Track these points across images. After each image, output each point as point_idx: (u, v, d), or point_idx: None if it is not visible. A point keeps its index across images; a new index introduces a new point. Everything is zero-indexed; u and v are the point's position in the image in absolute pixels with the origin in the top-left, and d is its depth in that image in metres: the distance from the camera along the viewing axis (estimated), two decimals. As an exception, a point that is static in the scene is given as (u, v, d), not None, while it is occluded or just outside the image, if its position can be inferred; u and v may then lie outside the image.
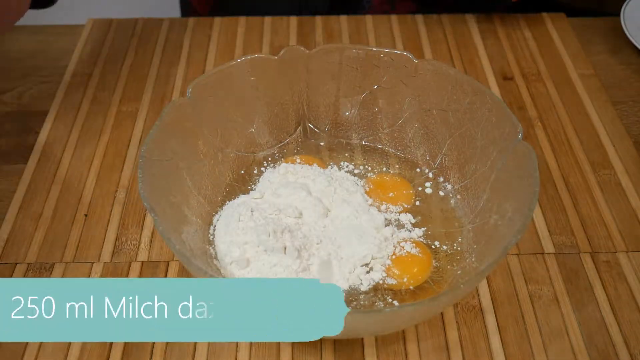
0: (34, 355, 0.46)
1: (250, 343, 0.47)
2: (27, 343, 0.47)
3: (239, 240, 0.48)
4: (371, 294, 0.48)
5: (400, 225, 0.53)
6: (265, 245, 0.47)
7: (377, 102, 0.59)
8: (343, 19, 0.78)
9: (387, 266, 0.49)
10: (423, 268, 0.49)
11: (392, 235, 0.51)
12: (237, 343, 0.47)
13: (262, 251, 0.47)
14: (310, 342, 0.47)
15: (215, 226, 0.52)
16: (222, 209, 0.53)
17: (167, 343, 0.47)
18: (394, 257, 0.50)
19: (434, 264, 0.50)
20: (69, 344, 0.47)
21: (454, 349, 0.47)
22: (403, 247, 0.50)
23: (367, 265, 0.49)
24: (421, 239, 0.52)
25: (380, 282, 0.48)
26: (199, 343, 0.47)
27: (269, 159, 0.58)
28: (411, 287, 0.48)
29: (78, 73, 0.70)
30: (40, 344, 0.47)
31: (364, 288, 0.48)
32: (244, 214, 0.50)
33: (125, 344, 0.47)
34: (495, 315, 0.49)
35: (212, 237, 0.51)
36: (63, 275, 0.51)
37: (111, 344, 0.47)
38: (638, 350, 0.47)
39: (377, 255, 0.50)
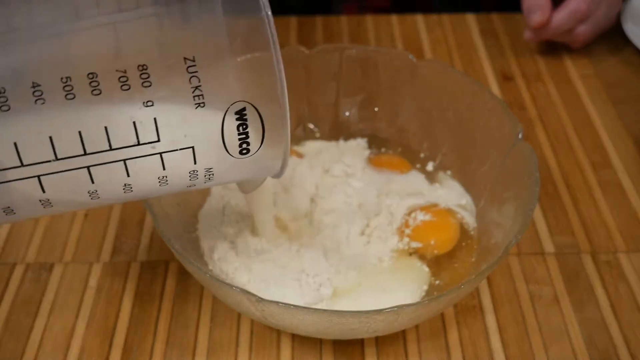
0: (33, 354, 0.46)
1: (251, 343, 0.47)
2: (26, 343, 0.47)
3: (224, 234, 0.49)
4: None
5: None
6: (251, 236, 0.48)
7: (377, 102, 0.59)
8: (343, 19, 0.78)
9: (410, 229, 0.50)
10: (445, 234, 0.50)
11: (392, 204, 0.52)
12: (237, 342, 0.47)
13: (249, 241, 0.48)
14: (310, 341, 0.47)
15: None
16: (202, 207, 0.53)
17: (167, 344, 0.47)
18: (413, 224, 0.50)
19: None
20: (69, 344, 0.47)
21: (454, 349, 0.47)
22: (416, 218, 0.51)
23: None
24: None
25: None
26: (199, 344, 0.47)
27: (269, 158, 0.58)
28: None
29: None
30: (40, 343, 0.47)
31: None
32: (227, 207, 0.50)
33: (125, 343, 0.47)
34: (495, 315, 0.49)
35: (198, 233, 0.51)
36: (62, 275, 0.51)
37: (111, 344, 0.47)
38: (639, 350, 0.47)
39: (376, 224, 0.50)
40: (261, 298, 0.38)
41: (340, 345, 0.47)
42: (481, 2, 0.83)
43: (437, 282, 0.48)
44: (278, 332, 0.48)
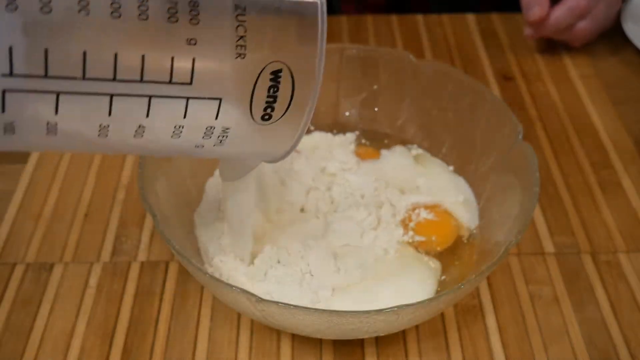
0: (33, 354, 0.46)
1: (251, 343, 0.47)
2: (26, 343, 0.47)
3: (220, 231, 0.49)
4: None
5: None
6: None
7: (377, 102, 0.59)
8: (343, 19, 0.78)
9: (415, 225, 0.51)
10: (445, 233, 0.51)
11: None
12: (237, 342, 0.47)
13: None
14: (310, 341, 0.47)
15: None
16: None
17: (167, 344, 0.47)
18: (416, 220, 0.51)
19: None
20: (68, 344, 0.47)
21: (454, 349, 0.47)
22: (419, 214, 0.51)
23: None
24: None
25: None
26: (199, 343, 0.47)
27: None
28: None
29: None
30: (40, 343, 0.47)
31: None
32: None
33: (125, 343, 0.47)
34: (495, 315, 0.49)
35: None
36: (63, 275, 0.51)
37: (111, 344, 0.47)
38: (639, 350, 0.47)
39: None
40: (261, 298, 0.38)
41: (340, 345, 0.47)
42: (481, 2, 0.83)
43: (442, 277, 0.49)
44: (278, 332, 0.48)
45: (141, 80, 0.30)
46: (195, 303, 0.49)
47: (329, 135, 0.59)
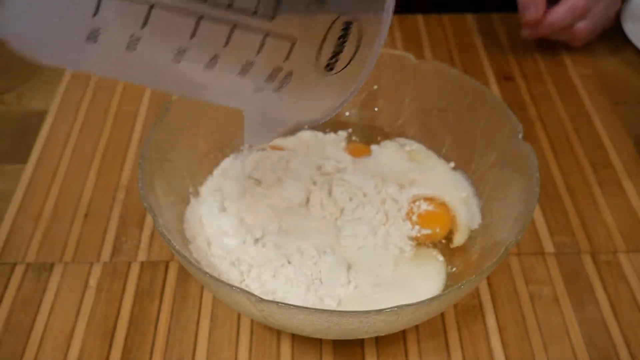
0: (33, 354, 0.46)
1: (251, 343, 0.47)
2: (26, 343, 0.47)
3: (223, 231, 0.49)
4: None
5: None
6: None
7: (377, 102, 0.59)
8: (343, 19, 0.78)
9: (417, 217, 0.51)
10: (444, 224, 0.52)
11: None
12: (237, 342, 0.47)
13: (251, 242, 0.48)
14: (310, 341, 0.47)
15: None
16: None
17: (167, 342, 0.47)
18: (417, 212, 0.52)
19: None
20: (68, 344, 0.47)
21: (454, 349, 0.47)
22: (419, 206, 0.52)
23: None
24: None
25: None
26: (199, 342, 0.47)
27: (269, 158, 0.58)
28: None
29: (78, 73, 0.70)
30: (40, 343, 0.47)
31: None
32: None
33: (125, 343, 0.47)
34: (495, 315, 0.49)
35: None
36: (63, 275, 0.51)
37: (111, 344, 0.47)
38: (639, 350, 0.47)
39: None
40: (261, 298, 0.38)
41: (340, 345, 0.47)
42: (481, 2, 0.83)
43: (453, 269, 0.49)
44: (278, 332, 0.48)
45: (229, 7, 0.31)
46: (195, 303, 0.49)
47: (320, 133, 0.58)
